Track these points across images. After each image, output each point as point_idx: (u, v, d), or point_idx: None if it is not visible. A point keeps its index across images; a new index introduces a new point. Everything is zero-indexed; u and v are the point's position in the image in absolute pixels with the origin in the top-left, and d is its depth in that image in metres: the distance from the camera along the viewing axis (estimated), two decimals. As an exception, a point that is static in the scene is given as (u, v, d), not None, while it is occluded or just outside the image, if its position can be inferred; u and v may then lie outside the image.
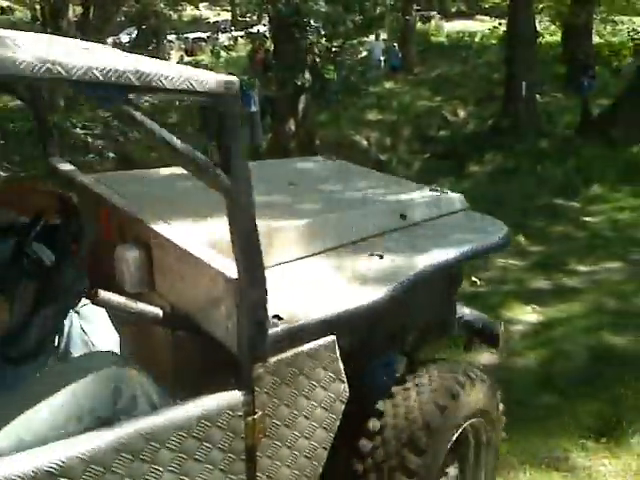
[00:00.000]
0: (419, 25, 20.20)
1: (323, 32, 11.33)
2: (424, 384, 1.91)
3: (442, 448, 1.86)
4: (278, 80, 10.47)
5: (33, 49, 1.05)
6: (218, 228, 1.79)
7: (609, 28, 19.53)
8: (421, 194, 2.53)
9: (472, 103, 14.16)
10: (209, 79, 1.24)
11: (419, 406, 1.84)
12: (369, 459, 1.83)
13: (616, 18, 19.39)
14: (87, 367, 1.37)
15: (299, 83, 9.92)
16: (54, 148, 2.50)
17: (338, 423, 1.72)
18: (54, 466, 1.14)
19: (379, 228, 2.17)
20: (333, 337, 1.65)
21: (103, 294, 1.41)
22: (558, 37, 17.76)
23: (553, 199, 7.93)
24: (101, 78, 1.07)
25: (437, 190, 2.58)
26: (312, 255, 1.95)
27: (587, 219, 7.18)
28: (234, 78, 1.29)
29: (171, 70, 1.20)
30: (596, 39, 17.10)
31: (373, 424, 1.87)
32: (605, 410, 3.04)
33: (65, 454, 1.16)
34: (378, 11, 14.12)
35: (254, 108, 11.92)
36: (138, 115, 1.14)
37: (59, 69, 1.01)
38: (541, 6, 15.40)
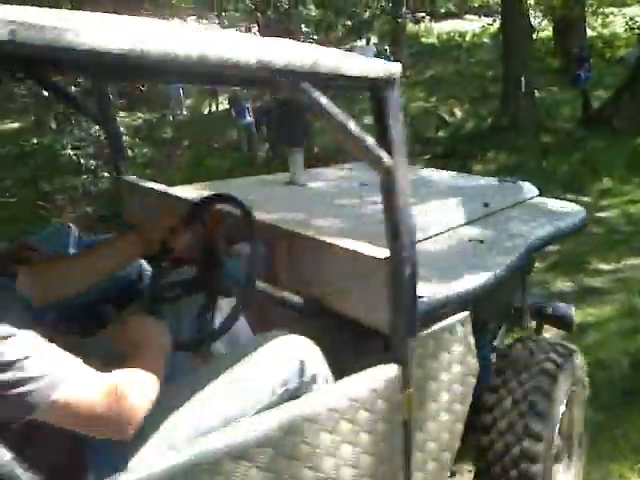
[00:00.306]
0: (409, 27, 20.03)
1: (315, 37, 11.14)
2: (528, 358, 2.01)
3: (557, 415, 1.95)
4: (272, 89, 10.23)
5: (250, 48, 1.11)
6: (334, 219, 2.06)
7: (600, 20, 19.41)
8: (495, 184, 2.71)
9: (468, 102, 13.95)
10: (377, 66, 1.35)
11: (531, 377, 1.94)
12: (493, 431, 1.91)
13: (606, 10, 19.28)
14: (275, 344, 1.45)
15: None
16: (126, 167, 2.63)
17: (471, 398, 1.80)
18: (261, 435, 1.21)
19: (469, 216, 2.32)
20: (467, 313, 1.75)
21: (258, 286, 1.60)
22: (549, 32, 17.63)
23: (563, 195, 7.68)
24: (304, 69, 1.16)
25: (507, 180, 2.75)
26: (423, 240, 2.04)
27: (601, 214, 6.94)
28: (397, 65, 1.39)
29: (348, 59, 1.28)
30: (588, 32, 16.95)
31: (490, 398, 1.96)
32: (659, 429, 2.78)
33: (269, 425, 1.23)
34: (368, 14, 13.96)
35: (249, 119, 11.71)
36: (324, 100, 1.20)
37: (275, 65, 1.11)
38: (530, 1, 15.25)
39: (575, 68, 13.01)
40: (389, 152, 1.36)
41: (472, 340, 1.76)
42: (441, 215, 2.22)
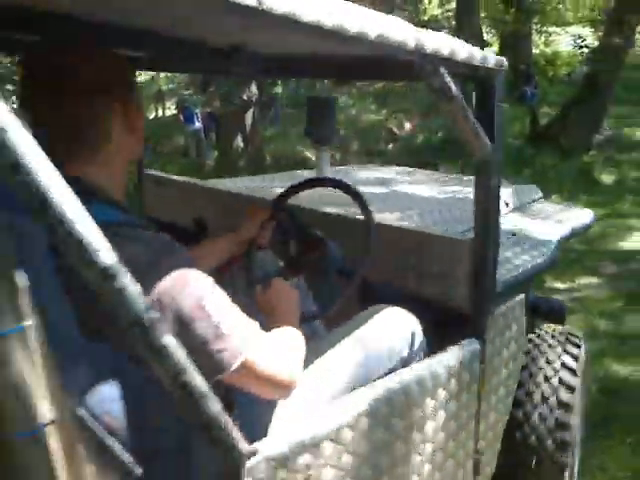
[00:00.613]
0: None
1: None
2: (550, 340, 2.17)
3: (580, 390, 2.14)
4: (222, 95, 9.96)
5: (408, 31, 1.17)
6: (384, 210, 2.17)
7: (543, 38, 19.99)
8: (505, 185, 2.91)
9: (418, 115, 14.03)
10: (491, 56, 1.46)
11: (558, 356, 2.12)
12: (527, 404, 2.04)
13: (550, 29, 19.87)
14: (387, 316, 1.58)
15: (245, 97, 9.46)
16: (149, 161, 2.83)
17: (519, 374, 1.98)
18: (386, 397, 1.32)
19: None
20: (524, 295, 1.90)
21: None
22: (495, 48, 18.00)
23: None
24: (445, 55, 1.26)
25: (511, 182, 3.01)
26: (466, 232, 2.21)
27: (553, 232, 6.99)
28: (503, 58, 1.50)
29: (473, 49, 1.39)
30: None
31: (522, 375, 2.09)
32: (635, 459, 2.70)
33: (391, 388, 1.35)
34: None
35: (197, 124, 11.40)
36: (453, 86, 1.28)
37: (425, 49, 1.20)
38: (482, 15, 15.50)
39: (522, 85, 13.27)
40: (492, 140, 1.47)
41: (525, 320, 1.93)
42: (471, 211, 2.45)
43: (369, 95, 15.85)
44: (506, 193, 2.71)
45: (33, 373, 0.73)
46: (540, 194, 2.91)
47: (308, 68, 1.85)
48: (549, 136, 10.49)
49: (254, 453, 1.00)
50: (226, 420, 0.88)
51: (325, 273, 1.70)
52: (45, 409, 0.74)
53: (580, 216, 2.68)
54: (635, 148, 10.48)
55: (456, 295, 1.72)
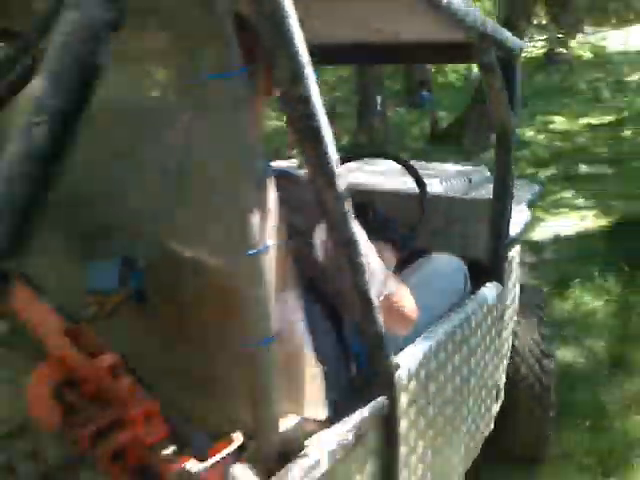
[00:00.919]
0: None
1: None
2: (525, 310, 2.45)
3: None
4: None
5: (474, 13, 1.33)
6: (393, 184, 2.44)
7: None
8: (462, 166, 3.36)
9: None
10: (514, 39, 1.67)
11: (536, 314, 2.48)
12: (516, 340, 2.35)
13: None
14: (446, 261, 1.83)
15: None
16: None
17: (515, 320, 2.29)
18: (458, 326, 1.58)
19: (462, 188, 2.79)
20: (518, 247, 2.22)
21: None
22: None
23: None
24: (498, 40, 1.52)
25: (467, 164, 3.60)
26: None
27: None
28: (523, 41, 1.86)
29: (504, 30, 1.57)
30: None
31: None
32: (596, 442, 2.75)
33: (459, 319, 1.61)
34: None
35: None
36: (497, 67, 1.53)
37: (487, 32, 1.44)
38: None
39: (417, 89, 13.68)
40: (514, 113, 1.72)
41: (519, 269, 2.23)
42: (445, 186, 2.68)
43: (270, 103, 15.74)
44: (466, 172, 3.00)
45: (273, 290, 0.84)
46: (488, 173, 3.18)
47: (352, 53, 1.98)
48: (449, 137, 10.85)
49: (399, 365, 1.19)
50: (386, 334, 1.05)
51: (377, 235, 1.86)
52: (273, 323, 0.85)
53: (533, 188, 3.13)
54: (526, 146, 11.03)
55: (475, 247, 1.99)
